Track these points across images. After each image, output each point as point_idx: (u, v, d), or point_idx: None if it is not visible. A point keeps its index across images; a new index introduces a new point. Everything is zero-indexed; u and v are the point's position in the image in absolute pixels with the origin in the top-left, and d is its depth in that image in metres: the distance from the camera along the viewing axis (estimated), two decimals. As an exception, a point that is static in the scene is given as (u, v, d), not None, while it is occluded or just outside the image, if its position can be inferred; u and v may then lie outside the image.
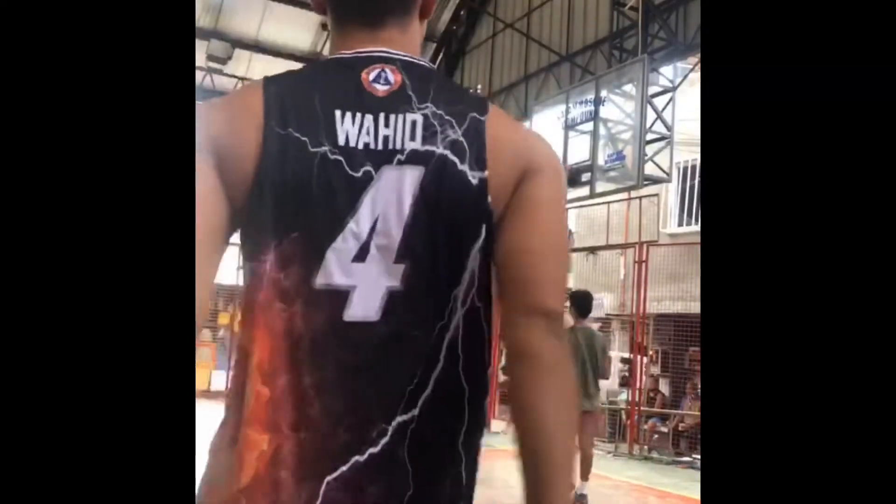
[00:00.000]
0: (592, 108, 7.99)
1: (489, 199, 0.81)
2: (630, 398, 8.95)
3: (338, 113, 0.80)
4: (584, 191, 8.04)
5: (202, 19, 11.93)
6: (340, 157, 0.78)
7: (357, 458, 0.77)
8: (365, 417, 0.78)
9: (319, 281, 0.78)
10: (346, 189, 0.78)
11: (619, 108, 7.87)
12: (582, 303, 5.30)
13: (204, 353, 12.50)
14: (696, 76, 8.40)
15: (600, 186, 7.92)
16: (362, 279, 0.78)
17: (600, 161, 7.84)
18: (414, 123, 0.81)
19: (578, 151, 8.14)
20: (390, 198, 0.79)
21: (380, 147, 0.80)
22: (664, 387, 10.82)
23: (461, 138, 0.81)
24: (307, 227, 0.78)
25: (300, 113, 0.79)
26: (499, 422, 8.21)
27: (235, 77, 12.44)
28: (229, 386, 0.84)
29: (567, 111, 8.37)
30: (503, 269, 0.84)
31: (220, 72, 12.35)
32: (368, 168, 0.79)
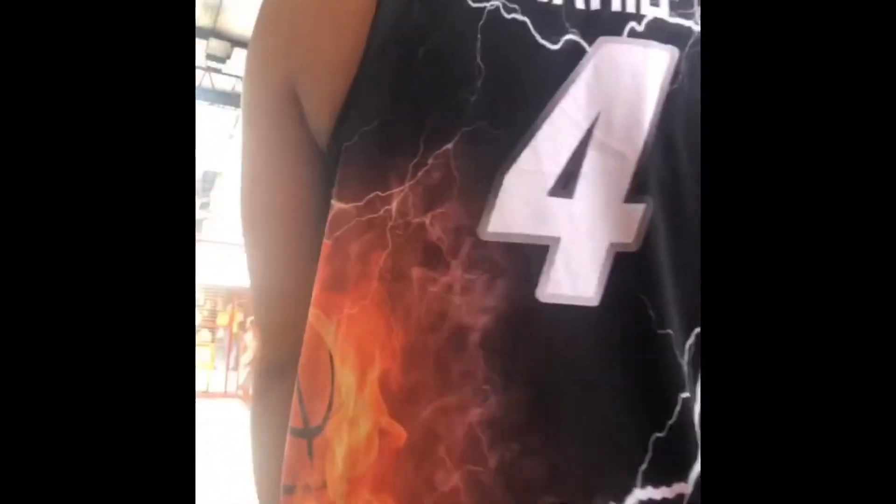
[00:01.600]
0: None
1: None
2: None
3: None
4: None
5: (201, 18, 11.92)
6: (525, 18, 0.47)
7: None
8: (572, 487, 0.43)
9: (493, 228, 0.45)
10: (537, 69, 0.46)
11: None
12: None
13: (203, 354, 12.49)
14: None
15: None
16: (569, 227, 0.45)
17: (600, 160, 7.82)
18: None
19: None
20: (619, 88, 0.47)
21: (596, 6, 0.48)
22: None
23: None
24: (469, 137, 0.45)
25: None
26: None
27: (235, 76, 12.42)
28: (298, 419, 0.49)
29: (566, 111, 8.36)
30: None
31: (219, 71, 12.34)
32: (575, 38, 0.47)
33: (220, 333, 13.93)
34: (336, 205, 0.47)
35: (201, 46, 11.74)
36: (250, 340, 11.06)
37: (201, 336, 13.03)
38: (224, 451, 6.52)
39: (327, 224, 0.48)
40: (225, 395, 11.86)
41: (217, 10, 12.04)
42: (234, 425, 8.88)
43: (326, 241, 0.48)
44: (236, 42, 12.26)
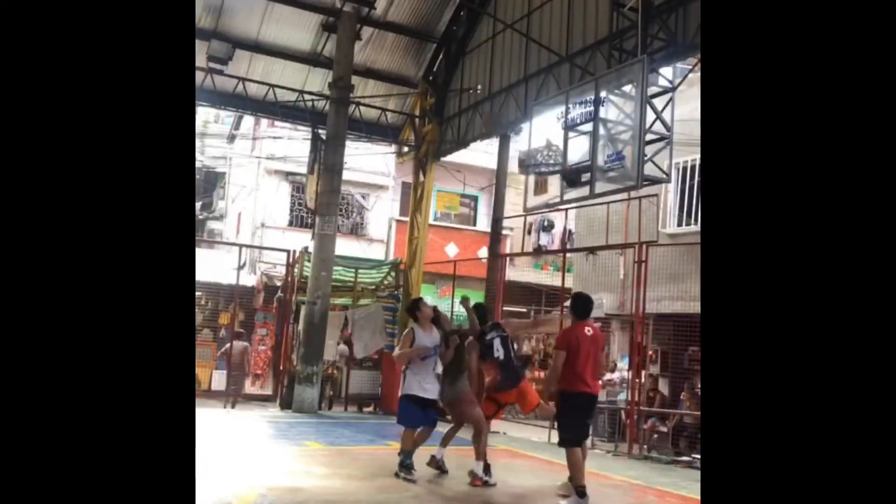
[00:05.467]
0: (592, 108, 7.98)
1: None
2: (629, 398, 8.95)
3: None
4: (584, 191, 8.03)
5: (203, 20, 11.91)
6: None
7: None
8: None
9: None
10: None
11: (618, 108, 7.87)
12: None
13: (204, 353, 12.46)
14: (695, 76, 8.38)
15: (600, 186, 7.92)
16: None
17: (600, 161, 7.83)
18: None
19: (578, 151, 8.14)
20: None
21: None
22: (664, 387, 10.81)
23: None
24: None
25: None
26: (496, 422, 8.17)
27: (236, 78, 12.42)
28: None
29: (567, 111, 8.37)
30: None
31: (220, 72, 12.34)
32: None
33: (222, 333, 13.93)
34: None
35: (203, 48, 11.73)
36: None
37: (202, 335, 13.02)
38: (224, 449, 6.53)
39: None
40: (225, 393, 11.85)
41: (219, 12, 12.04)
42: (234, 424, 8.89)
43: None
44: (238, 43, 12.26)
